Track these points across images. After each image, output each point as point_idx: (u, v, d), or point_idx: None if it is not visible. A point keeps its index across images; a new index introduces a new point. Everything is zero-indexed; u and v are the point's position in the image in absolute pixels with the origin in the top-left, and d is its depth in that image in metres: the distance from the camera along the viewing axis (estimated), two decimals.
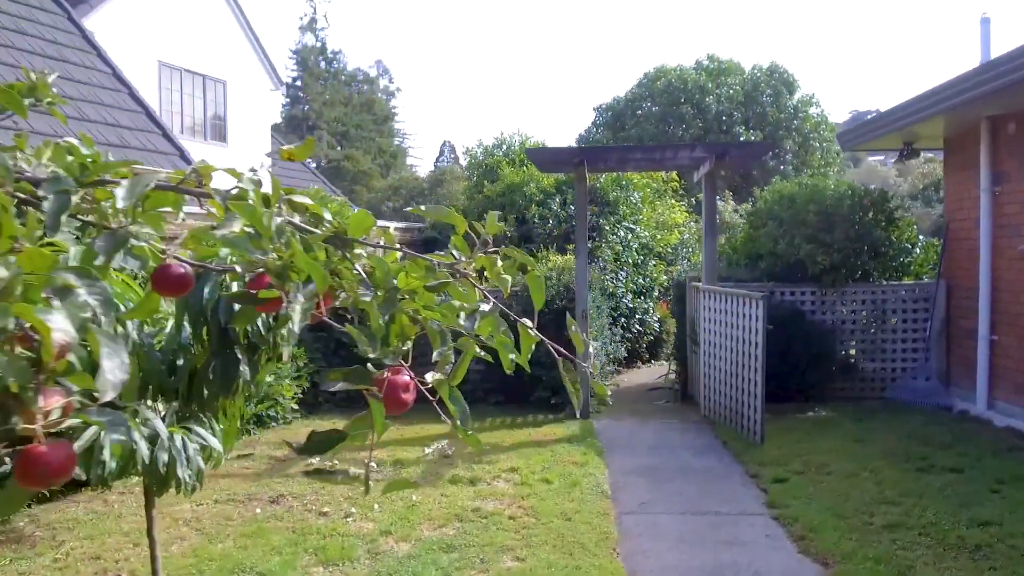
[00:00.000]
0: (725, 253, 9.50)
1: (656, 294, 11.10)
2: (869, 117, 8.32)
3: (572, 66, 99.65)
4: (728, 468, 5.73)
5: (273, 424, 7.15)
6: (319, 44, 40.24)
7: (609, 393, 8.48)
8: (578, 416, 7.33)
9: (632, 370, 10.70)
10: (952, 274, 7.98)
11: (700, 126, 22.92)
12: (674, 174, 13.29)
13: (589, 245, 9.59)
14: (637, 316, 10.42)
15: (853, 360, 8.11)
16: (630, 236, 10.28)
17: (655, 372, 10.20)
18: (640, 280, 10.55)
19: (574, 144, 22.73)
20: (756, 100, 23.17)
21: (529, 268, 1.29)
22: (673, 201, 12.73)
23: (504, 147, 11.68)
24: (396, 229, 10.53)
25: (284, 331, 1.88)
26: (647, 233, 10.83)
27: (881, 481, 5.13)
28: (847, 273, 8.14)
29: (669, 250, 12.39)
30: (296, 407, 7.49)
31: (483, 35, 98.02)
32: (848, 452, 5.88)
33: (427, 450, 5.97)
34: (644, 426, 7.15)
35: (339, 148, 40.12)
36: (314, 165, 42.18)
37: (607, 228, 9.70)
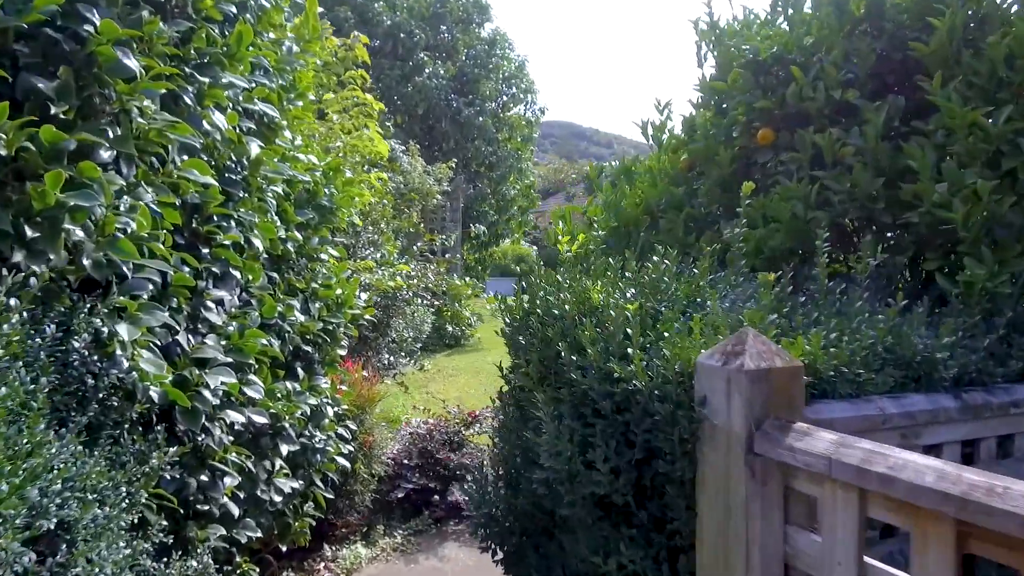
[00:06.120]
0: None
1: (345, 342, 3.62)
2: None
3: None
4: None
5: None
6: None
7: None
8: None
9: None
10: None
11: (369, 45, 15.62)
12: (360, 46, 5.78)
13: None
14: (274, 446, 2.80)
15: None
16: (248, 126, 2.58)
17: None
18: (292, 312, 2.92)
19: None
20: (445, 21, 16.71)
21: None
22: (370, 97, 5.26)
23: None
24: None
25: None
26: (311, 158, 3.26)
27: None
28: None
29: (355, 219, 4.90)
30: None
31: None
32: None
33: None
34: None
35: None
36: None
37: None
